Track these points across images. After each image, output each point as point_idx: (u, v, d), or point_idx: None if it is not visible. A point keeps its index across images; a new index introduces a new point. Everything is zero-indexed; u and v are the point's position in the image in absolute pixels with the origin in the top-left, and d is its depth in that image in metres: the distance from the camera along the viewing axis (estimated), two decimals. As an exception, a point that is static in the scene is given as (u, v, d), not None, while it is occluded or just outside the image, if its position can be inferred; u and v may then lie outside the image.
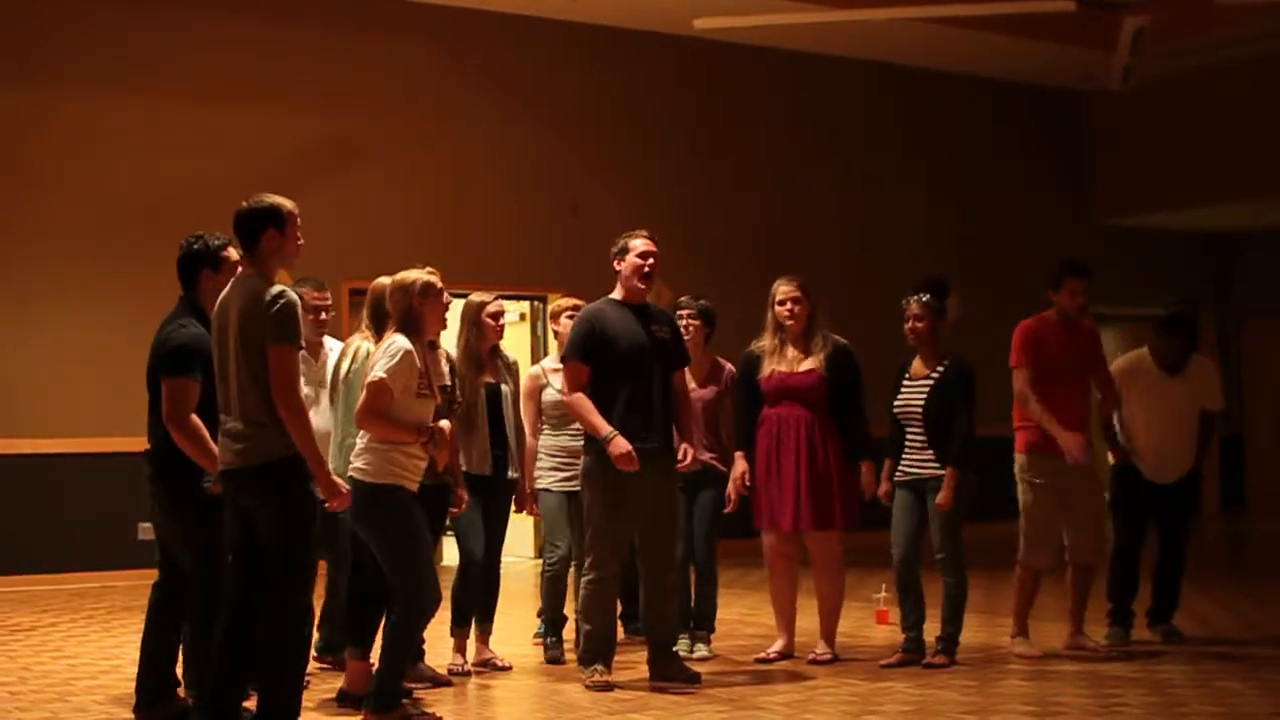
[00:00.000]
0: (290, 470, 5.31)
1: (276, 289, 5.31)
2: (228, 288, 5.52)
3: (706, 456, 7.60)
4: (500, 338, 7.42)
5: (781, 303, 7.43)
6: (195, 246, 6.03)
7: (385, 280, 6.35)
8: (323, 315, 7.22)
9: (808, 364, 7.38)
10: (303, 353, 6.83)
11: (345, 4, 12.25)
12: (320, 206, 11.48)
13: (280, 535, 5.33)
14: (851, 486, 7.39)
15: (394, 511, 5.87)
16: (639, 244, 6.98)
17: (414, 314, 6.00)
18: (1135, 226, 16.18)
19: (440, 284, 6.12)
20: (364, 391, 5.86)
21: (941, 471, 7.20)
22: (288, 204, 5.49)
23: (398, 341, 5.90)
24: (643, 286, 6.98)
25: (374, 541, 5.95)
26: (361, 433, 5.96)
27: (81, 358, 11.12)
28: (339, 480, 5.46)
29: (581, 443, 7.10)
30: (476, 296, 7.44)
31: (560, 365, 7.31)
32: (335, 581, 7.05)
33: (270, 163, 11.59)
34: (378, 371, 5.82)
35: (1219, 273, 17.21)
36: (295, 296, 5.37)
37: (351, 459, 5.99)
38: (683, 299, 7.82)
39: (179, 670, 6.11)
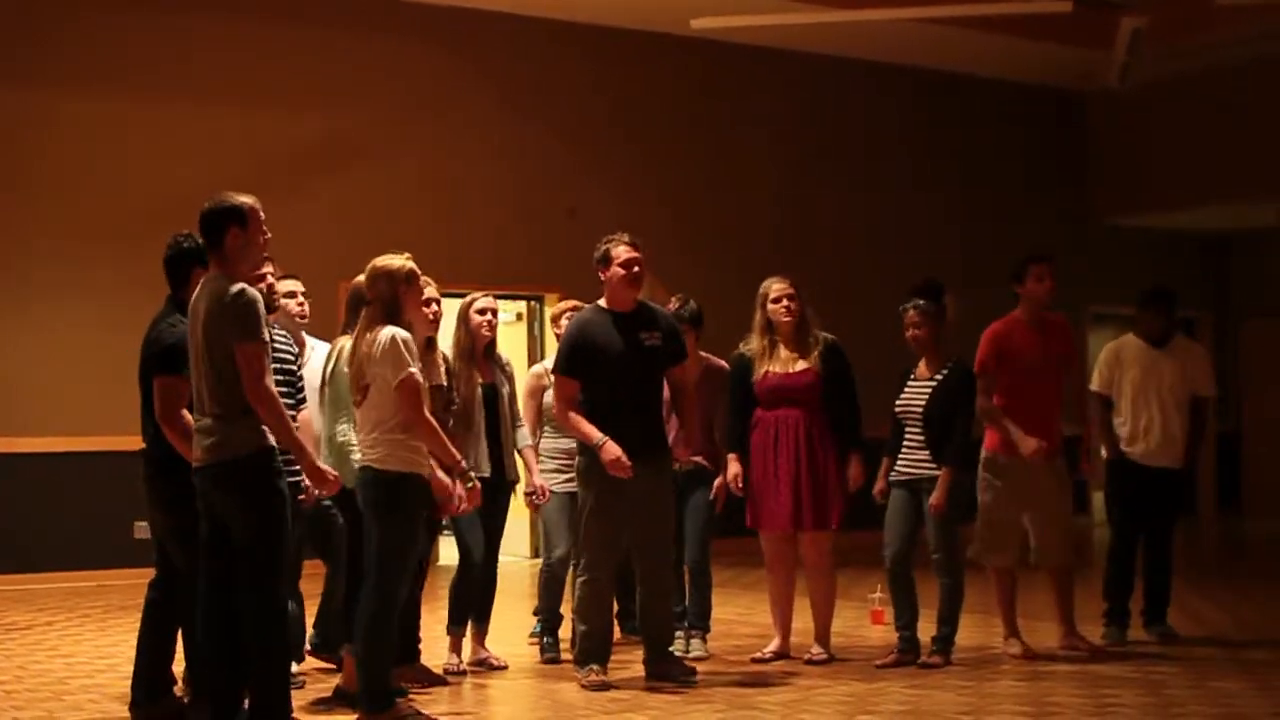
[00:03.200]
0: (258, 467, 5.35)
1: (237, 287, 5.35)
2: (197, 289, 5.55)
3: (699, 458, 7.60)
4: (491, 334, 7.41)
5: (777, 300, 7.43)
6: (185, 244, 6.04)
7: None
8: (299, 299, 7.04)
9: (803, 364, 7.39)
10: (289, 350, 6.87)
11: (344, 5, 12.26)
12: (318, 207, 11.53)
13: (250, 533, 5.35)
14: (845, 487, 7.39)
15: (403, 506, 5.91)
16: (621, 252, 6.95)
17: (398, 301, 6.01)
18: (1134, 227, 16.18)
19: (420, 272, 6.15)
20: (399, 392, 5.83)
21: (937, 472, 7.22)
22: (249, 200, 5.50)
23: (398, 333, 5.89)
24: (631, 294, 6.97)
25: (375, 529, 5.96)
26: (370, 426, 5.96)
27: (80, 357, 11.13)
28: (325, 467, 5.45)
29: (578, 443, 7.11)
30: (470, 296, 7.46)
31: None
32: (331, 581, 7.04)
33: (269, 163, 11.61)
34: (405, 369, 5.81)
35: (1217, 273, 17.22)
36: (256, 293, 5.40)
37: (365, 450, 5.98)
38: (674, 299, 7.82)
39: (176, 669, 6.13)
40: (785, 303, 7.42)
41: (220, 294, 5.34)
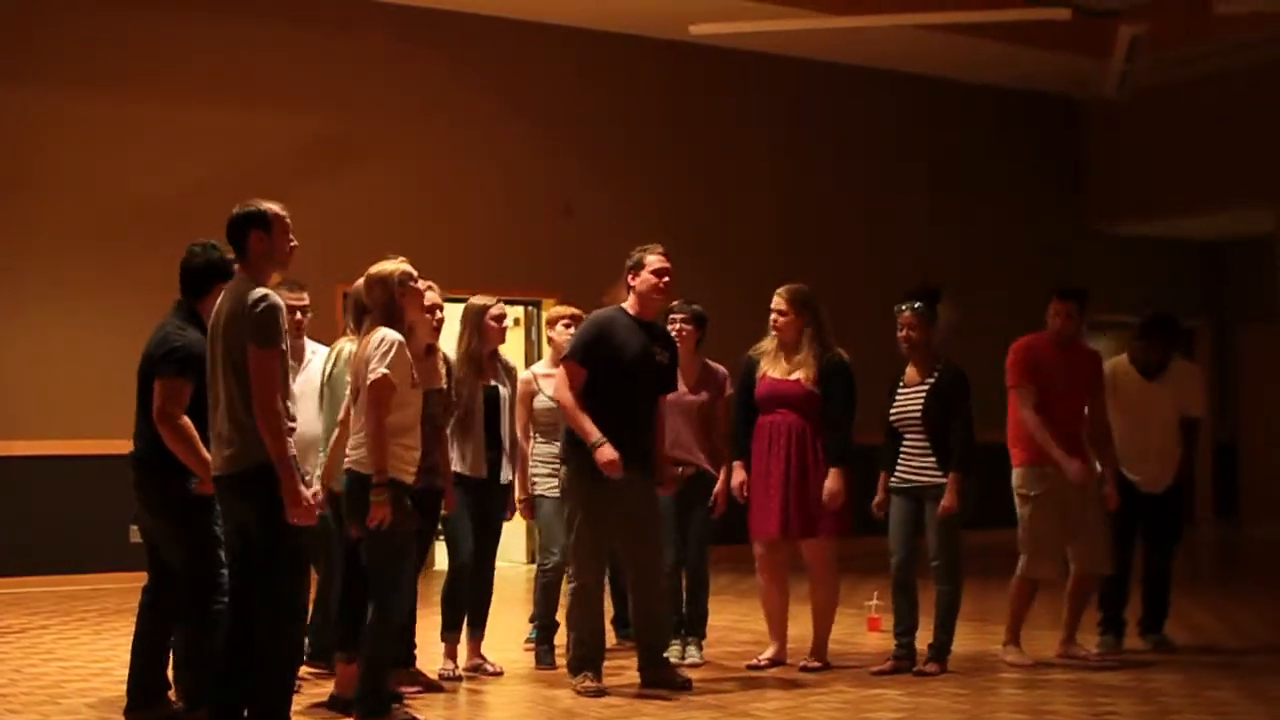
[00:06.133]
0: (277, 476, 5.32)
1: (260, 292, 5.35)
2: (222, 293, 5.55)
3: (701, 461, 7.58)
4: (503, 340, 7.46)
5: (771, 311, 7.45)
6: (214, 256, 5.97)
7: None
8: (298, 316, 7.13)
9: (799, 373, 7.38)
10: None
11: (343, 7, 12.25)
12: (315, 209, 11.49)
13: (270, 539, 5.34)
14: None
15: (388, 505, 5.88)
16: (654, 260, 6.99)
17: (395, 306, 6.02)
18: (1130, 234, 16.19)
19: (416, 274, 6.14)
20: (368, 390, 5.85)
21: (939, 479, 7.20)
22: (274, 207, 5.52)
23: (389, 335, 5.91)
24: (658, 302, 7.02)
25: (364, 535, 5.96)
26: (359, 428, 5.96)
27: (76, 359, 11.12)
28: (305, 492, 5.39)
29: (561, 452, 7.11)
30: (478, 299, 7.44)
31: (551, 371, 7.37)
32: (325, 588, 7.04)
33: (267, 164, 11.61)
34: (380, 368, 5.83)
35: (1214, 280, 17.22)
36: (279, 300, 5.40)
37: (348, 451, 6.01)
38: (675, 303, 7.82)
39: (170, 673, 6.11)
40: (774, 316, 7.43)
41: (243, 298, 5.34)
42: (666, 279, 6.98)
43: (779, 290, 7.47)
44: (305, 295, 7.23)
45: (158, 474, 5.83)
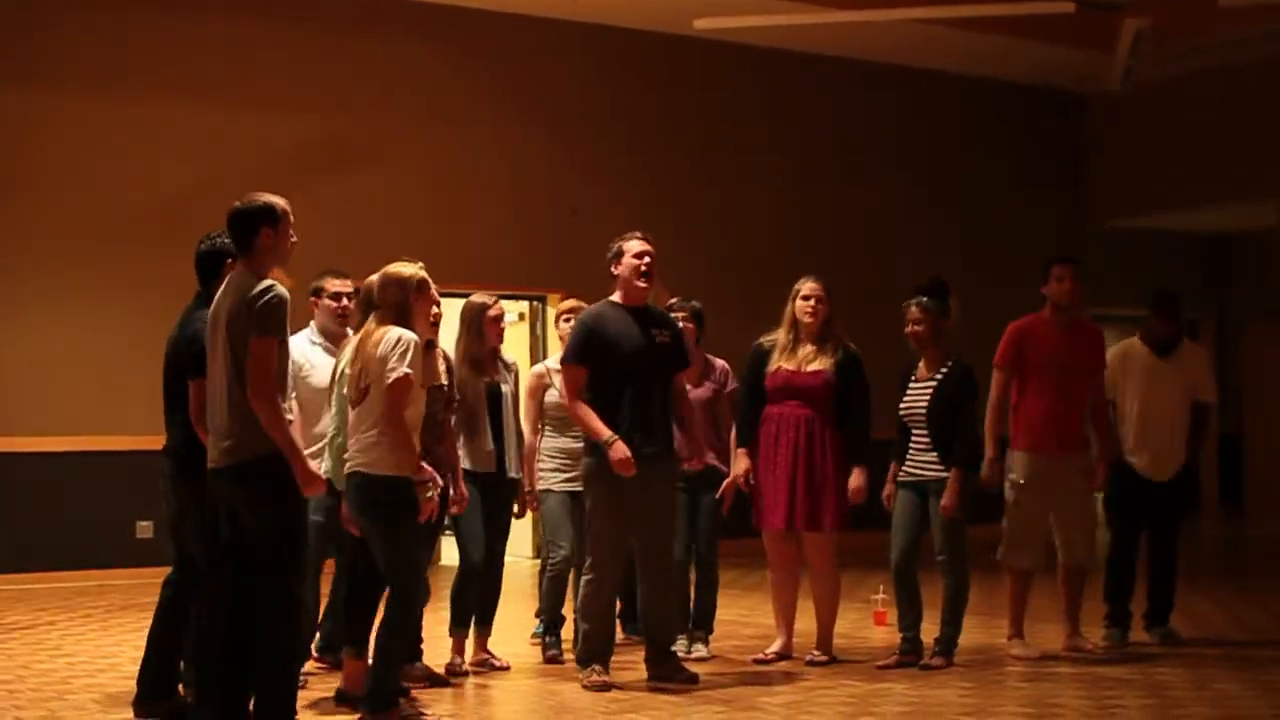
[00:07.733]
0: (278, 467, 5.32)
1: (268, 283, 5.35)
2: (222, 286, 5.54)
3: (710, 458, 7.58)
4: (501, 340, 7.43)
5: (806, 298, 7.42)
6: (220, 241, 6.00)
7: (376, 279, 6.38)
8: (344, 302, 7.08)
9: (816, 365, 7.38)
10: (325, 345, 6.92)
11: (344, 6, 12.24)
12: (319, 208, 11.49)
13: (270, 532, 5.34)
14: (844, 491, 7.36)
15: (399, 506, 5.89)
16: (634, 245, 6.99)
17: (407, 308, 6.02)
18: (1134, 229, 16.17)
19: (431, 281, 6.16)
20: (389, 389, 5.83)
21: (944, 473, 7.20)
22: (281, 202, 5.52)
23: (406, 335, 5.90)
24: (643, 286, 6.98)
25: (376, 534, 5.96)
26: (368, 425, 5.95)
27: (79, 357, 11.12)
28: (315, 469, 5.42)
29: (583, 444, 7.11)
30: (477, 298, 7.43)
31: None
32: (340, 581, 7.02)
33: (269, 164, 11.58)
34: (401, 368, 5.82)
35: (1218, 275, 17.20)
36: (284, 291, 5.38)
37: (354, 453, 5.98)
38: (674, 300, 7.83)
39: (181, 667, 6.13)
40: (812, 303, 7.41)
41: (247, 289, 5.33)
42: (648, 259, 6.96)
43: (812, 280, 7.46)
44: (349, 282, 7.16)
45: (191, 469, 5.80)
